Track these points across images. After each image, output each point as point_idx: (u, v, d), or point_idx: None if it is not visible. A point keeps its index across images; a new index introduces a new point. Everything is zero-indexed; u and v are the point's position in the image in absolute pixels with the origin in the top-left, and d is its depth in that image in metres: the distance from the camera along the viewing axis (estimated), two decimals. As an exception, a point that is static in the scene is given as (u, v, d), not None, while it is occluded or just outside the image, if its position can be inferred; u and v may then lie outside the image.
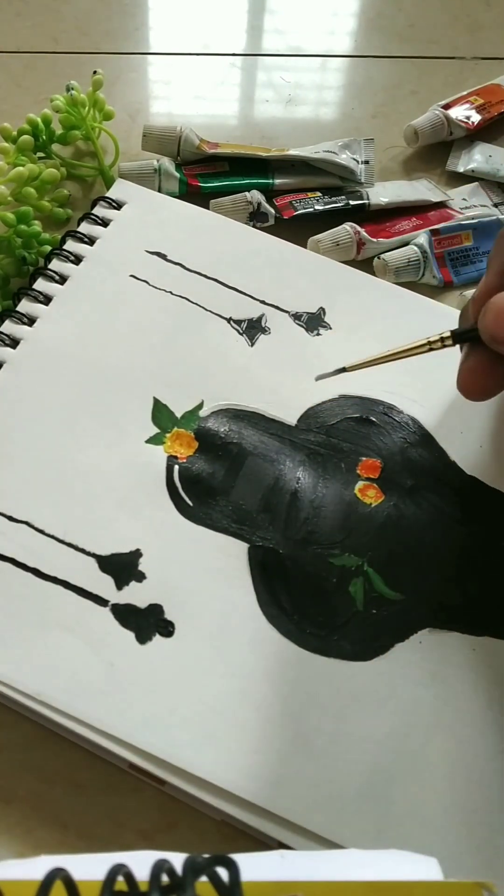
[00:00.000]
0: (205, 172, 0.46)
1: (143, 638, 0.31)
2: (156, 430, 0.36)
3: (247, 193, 0.45)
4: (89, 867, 0.19)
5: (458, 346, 0.32)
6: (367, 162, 0.47)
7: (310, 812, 0.28)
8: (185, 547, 0.33)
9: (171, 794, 0.30)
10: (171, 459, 0.35)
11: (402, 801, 0.29)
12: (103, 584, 0.32)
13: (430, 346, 0.31)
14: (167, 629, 0.31)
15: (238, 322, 0.40)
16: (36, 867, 0.19)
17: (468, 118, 0.50)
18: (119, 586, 0.32)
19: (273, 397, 0.37)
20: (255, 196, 0.44)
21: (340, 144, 0.48)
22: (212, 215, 0.44)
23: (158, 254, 0.41)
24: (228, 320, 0.40)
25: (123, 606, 0.32)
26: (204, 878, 0.18)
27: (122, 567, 0.32)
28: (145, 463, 0.35)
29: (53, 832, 0.29)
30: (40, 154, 0.46)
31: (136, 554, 0.33)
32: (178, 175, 0.46)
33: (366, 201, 0.46)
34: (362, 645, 0.32)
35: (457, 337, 0.31)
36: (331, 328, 0.40)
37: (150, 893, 0.18)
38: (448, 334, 0.31)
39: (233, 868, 0.18)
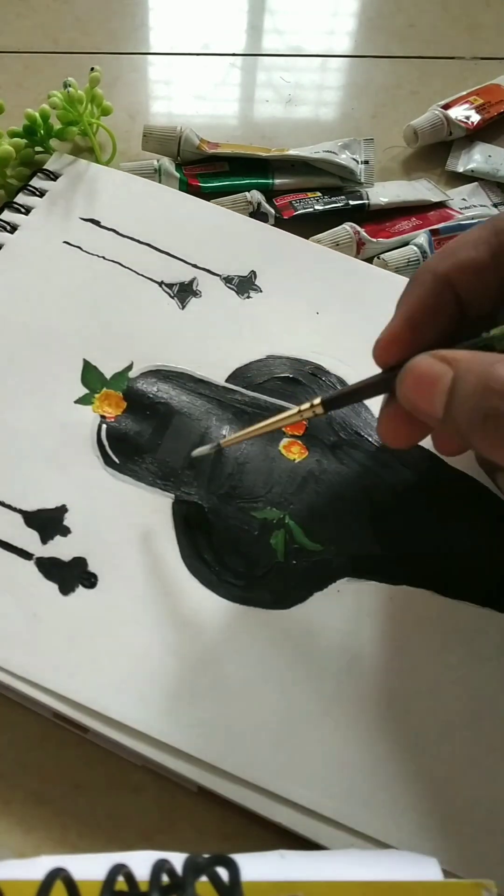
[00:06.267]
0: (205, 172, 0.46)
1: (66, 589, 0.32)
2: (85, 391, 0.37)
3: (247, 193, 0.45)
4: (89, 867, 0.19)
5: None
6: (366, 162, 0.47)
7: (224, 753, 0.29)
8: (110, 502, 0.34)
9: (93, 741, 0.30)
10: (100, 419, 0.36)
11: (313, 741, 0.30)
12: (28, 539, 0.33)
13: (300, 415, 0.31)
14: (90, 580, 0.32)
15: (169, 286, 0.40)
16: (36, 867, 0.19)
17: (468, 118, 0.50)
18: (44, 540, 0.33)
19: (202, 358, 0.38)
20: (255, 196, 0.45)
21: (340, 144, 0.48)
22: (147, 182, 0.45)
23: (92, 220, 0.42)
24: (160, 284, 0.40)
25: (48, 560, 0.32)
26: (204, 878, 0.18)
27: (48, 522, 0.33)
28: (74, 422, 0.36)
29: (53, 832, 0.29)
30: (39, 149, 0.46)
31: (62, 509, 0.33)
32: (178, 175, 0.46)
33: (365, 201, 0.46)
34: (282, 594, 0.32)
35: (326, 405, 0.30)
36: (261, 291, 0.41)
37: (151, 893, 0.18)
38: (318, 402, 0.30)
39: (233, 868, 0.18)
